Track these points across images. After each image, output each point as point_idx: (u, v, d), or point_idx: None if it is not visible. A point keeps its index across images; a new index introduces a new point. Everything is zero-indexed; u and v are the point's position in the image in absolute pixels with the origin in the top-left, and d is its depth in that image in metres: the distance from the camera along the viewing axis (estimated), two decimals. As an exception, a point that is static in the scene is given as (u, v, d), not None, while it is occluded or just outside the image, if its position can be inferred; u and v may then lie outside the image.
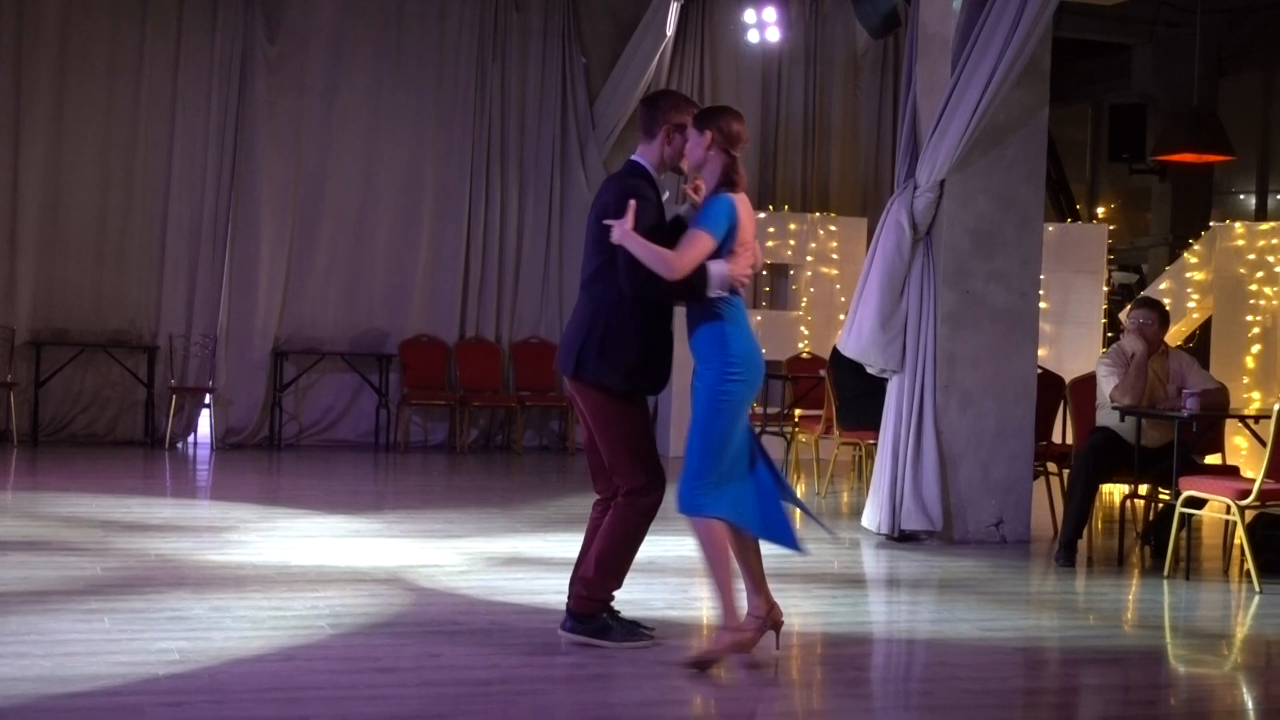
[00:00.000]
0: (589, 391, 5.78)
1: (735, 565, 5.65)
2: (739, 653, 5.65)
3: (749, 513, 5.64)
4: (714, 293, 5.58)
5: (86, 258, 12.98)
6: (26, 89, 12.77)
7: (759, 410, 12.59)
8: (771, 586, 7.16)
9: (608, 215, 5.61)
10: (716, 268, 5.56)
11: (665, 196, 5.94)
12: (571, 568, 5.97)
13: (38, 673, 5.14)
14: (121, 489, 10.17)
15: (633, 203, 5.56)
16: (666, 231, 5.70)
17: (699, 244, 5.54)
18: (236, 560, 7.52)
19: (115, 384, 13.08)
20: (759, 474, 5.70)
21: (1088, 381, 9.01)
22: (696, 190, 5.80)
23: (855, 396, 10.45)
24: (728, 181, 5.66)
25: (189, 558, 7.56)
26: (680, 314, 5.78)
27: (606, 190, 5.83)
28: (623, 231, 5.53)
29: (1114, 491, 10.59)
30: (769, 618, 5.72)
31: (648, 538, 5.88)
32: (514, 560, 7.88)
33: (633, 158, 5.89)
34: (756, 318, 14.06)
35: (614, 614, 5.93)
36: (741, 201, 5.67)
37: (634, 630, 5.92)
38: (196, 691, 5.01)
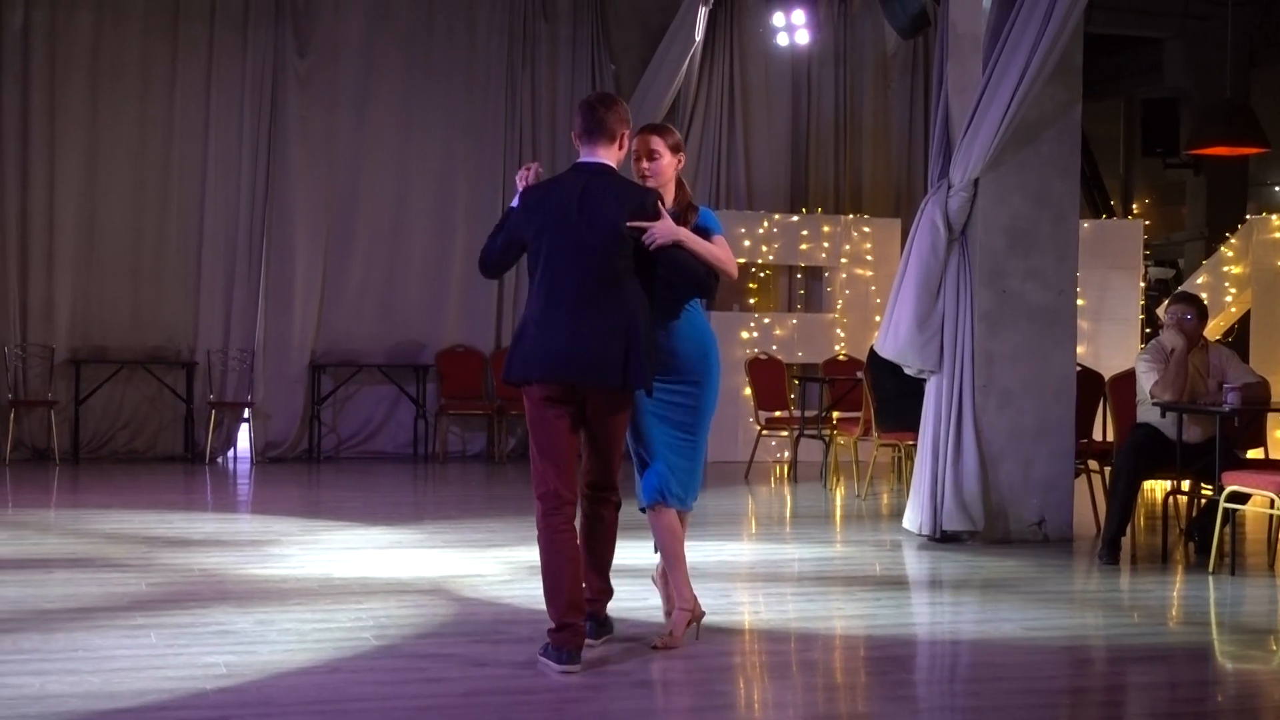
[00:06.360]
0: (627, 399, 5.66)
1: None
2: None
3: None
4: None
5: (123, 275, 13.08)
6: (60, 109, 12.88)
7: (795, 414, 12.59)
8: (814, 589, 7.18)
9: (633, 219, 5.52)
10: None
11: None
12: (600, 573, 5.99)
13: (86, 689, 5.17)
14: (163, 504, 10.23)
15: (662, 206, 5.64)
16: None
17: (728, 248, 5.87)
18: (280, 573, 7.55)
19: (154, 400, 13.17)
20: None
21: (1127, 378, 8.95)
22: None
23: (893, 398, 10.43)
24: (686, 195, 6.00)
25: (232, 572, 7.60)
26: None
27: (627, 194, 5.62)
28: (675, 232, 5.60)
29: (1156, 488, 10.54)
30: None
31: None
32: (555, 568, 7.87)
33: (604, 160, 5.65)
34: (791, 320, 14.07)
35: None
36: None
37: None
38: (244, 705, 5.03)
